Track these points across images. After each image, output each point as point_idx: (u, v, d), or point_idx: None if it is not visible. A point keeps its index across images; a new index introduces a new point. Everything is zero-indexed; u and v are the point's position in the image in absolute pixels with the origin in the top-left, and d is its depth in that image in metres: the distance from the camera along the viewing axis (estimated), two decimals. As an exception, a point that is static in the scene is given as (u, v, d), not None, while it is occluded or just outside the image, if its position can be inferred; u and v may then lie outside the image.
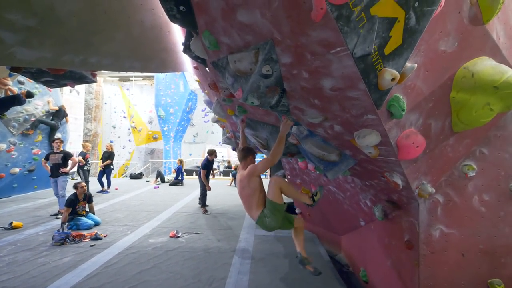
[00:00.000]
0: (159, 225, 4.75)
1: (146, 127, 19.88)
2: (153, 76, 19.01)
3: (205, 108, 18.38)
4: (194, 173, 11.14)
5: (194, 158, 17.59)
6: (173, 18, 1.73)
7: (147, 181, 9.65)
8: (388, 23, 1.14)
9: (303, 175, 4.27)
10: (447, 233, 2.31)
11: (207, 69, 2.47)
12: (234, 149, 5.95)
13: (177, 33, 2.65)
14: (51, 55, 2.10)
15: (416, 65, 1.34)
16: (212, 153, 6.02)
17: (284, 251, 3.73)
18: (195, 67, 3.13)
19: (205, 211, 5.73)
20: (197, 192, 7.26)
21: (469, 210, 2.30)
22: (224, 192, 7.97)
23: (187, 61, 3.60)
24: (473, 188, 2.30)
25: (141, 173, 11.03)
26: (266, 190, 2.46)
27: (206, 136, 19.37)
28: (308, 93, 1.68)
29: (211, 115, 20.09)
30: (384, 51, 1.22)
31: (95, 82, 4.02)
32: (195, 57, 2.29)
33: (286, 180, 4.62)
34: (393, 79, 1.28)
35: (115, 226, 4.65)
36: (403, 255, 2.54)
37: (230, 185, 8.96)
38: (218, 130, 19.63)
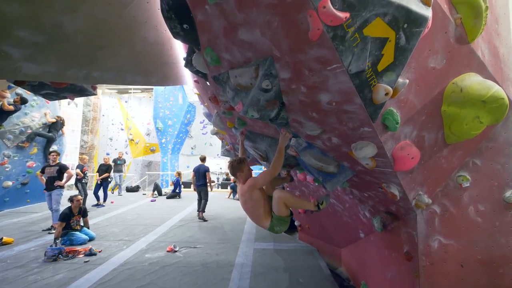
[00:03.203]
0: (156, 239, 4.67)
1: (144, 139, 19.87)
2: (152, 89, 19.22)
3: (204, 120, 18.50)
4: (192, 186, 11.05)
5: (192, 171, 17.47)
6: (176, 35, 1.81)
7: (143, 194, 9.54)
8: (380, 42, 1.23)
9: (302, 186, 4.29)
10: (445, 244, 2.32)
11: (207, 83, 2.55)
12: (232, 161, 5.96)
13: (179, 48, 2.75)
14: (55, 70, 2.16)
15: (407, 80, 1.42)
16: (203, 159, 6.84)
17: (284, 264, 3.68)
18: (195, 81, 3.22)
19: (201, 217, 6.10)
20: (195, 205, 7.19)
21: (466, 221, 2.33)
22: (223, 204, 7.91)
23: (187, 75, 3.69)
24: (468, 199, 2.34)
25: (137, 186, 10.91)
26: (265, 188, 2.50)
27: (204, 148, 19.35)
28: (306, 106, 1.74)
29: (210, 127, 20.20)
30: (377, 68, 1.30)
31: (95, 94, 4.08)
32: (196, 72, 2.37)
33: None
34: (386, 94, 1.35)
35: (111, 241, 4.56)
36: (403, 267, 2.53)
37: (228, 197, 8.89)
38: (216, 142, 19.66)
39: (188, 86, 16.20)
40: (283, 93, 1.74)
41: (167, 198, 8.66)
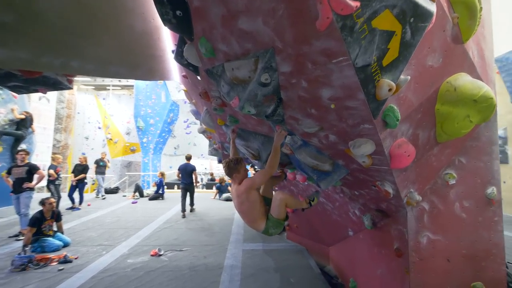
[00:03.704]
0: (139, 243, 4.44)
1: (123, 139, 19.03)
2: (132, 86, 18.49)
3: (187, 120, 18.07)
4: (176, 187, 10.72)
5: (175, 170, 17.00)
6: (167, 23, 1.69)
7: (124, 196, 9.09)
8: (387, 35, 1.20)
9: (290, 186, 4.27)
10: (433, 240, 2.38)
11: (198, 77, 2.43)
12: (220, 161, 5.83)
13: (167, 40, 2.60)
14: (27, 56, 1.92)
15: (409, 77, 1.42)
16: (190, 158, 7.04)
17: (274, 265, 3.63)
18: (184, 76, 3.07)
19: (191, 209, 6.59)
20: (179, 206, 7.10)
21: (452, 217, 2.41)
22: (208, 205, 7.72)
23: (174, 70, 3.53)
24: (454, 196, 2.42)
25: (117, 187, 10.39)
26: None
27: (188, 148, 18.91)
28: (306, 102, 1.69)
29: (194, 126, 19.78)
30: (383, 62, 1.28)
31: (71, 88, 3.79)
32: (187, 65, 2.25)
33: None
34: (390, 90, 1.33)
35: (88, 247, 4.27)
36: (393, 263, 2.57)
37: (214, 198, 8.71)
38: (200, 142, 19.27)
39: (172, 84, 15.78)
40: (282, 88, 1.67)
41: (150, 199, 8.32)
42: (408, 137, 1.82)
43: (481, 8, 1.56)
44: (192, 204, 6.75)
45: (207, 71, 1.99)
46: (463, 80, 1.75)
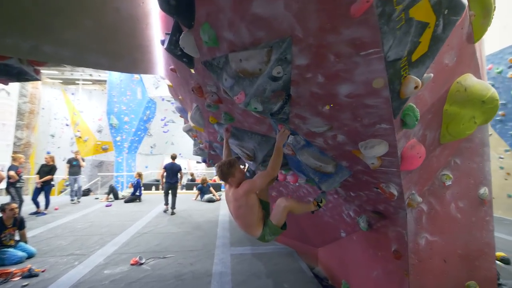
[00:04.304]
0: (116, 251, 4.05)
1: (94, 137, 17.80)
2: (104, 81, 17.34)
3: (165, 118, 17.35)
4: (154, 188, 10.17)
5: (152, 171, 16.21)
6: (165, 5, 1.47)
7: (96, 199, 8.40)
8: (421, 27, 1.10)
9: (280, 187, 4.15)
10: (431, 241, 2.39)
11: (192, 70, 2.20)
12: (204, 161, 5.56)
13: (155, 29, 2.33)
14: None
15: (432, 75, 1.34)
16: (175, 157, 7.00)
17: (265, 269, 3.48)
18: (172, 69, 2.81)
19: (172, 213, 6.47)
20: (159, 208, 6.88)
21: (448, 217, 2.44)
22: (190, 207, 7.38)
23: (160, 63, 3.24)
24: (450, 196, 2.45)
25: (88, 189, 9.61)
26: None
27: (166, 147, 18.17)
28: (318, 100, 1.56)
29: (172, 125, 19.01)
30: (412, 57, 1.18)
31: (39, 80, 3.33)
32: (180, 56, 2.02)
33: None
34: (416, 87, 1.24)
35: (57, 257, 3.81)
36: (391, 265, 2.54)
37: (195, 199, 8.36)
38: (178, 141, 18.61)
39: (148, 80, 15.02)
40: (293, 83, 1.53)
41: (126, 202, 7.76)
42: (418, 138, 1.77)
43: (495, 7, 1.53)
44: (173, 207, 6.59)
45: (205, 63, 1.78)
46: (472, 80, 1.74)
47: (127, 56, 2.46)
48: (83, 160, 8.04)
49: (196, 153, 4.81)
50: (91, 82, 17.41)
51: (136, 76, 13.90)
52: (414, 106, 1.44)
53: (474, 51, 1.73)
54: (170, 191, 6.59)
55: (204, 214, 6.53)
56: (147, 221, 5.85)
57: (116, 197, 8.10)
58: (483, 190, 2.49)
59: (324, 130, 1.79)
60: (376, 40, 1.05)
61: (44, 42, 1.65)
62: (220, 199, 8.43)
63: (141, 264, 3.58)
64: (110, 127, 15.50)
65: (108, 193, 8.13)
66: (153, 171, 16.61)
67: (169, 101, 16.34)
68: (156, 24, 2.30)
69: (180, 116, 4.54)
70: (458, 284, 2.42)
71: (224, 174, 2.16)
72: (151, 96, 15.85)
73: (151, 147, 17.80)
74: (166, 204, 6.71)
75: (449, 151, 2.33)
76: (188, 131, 4.38)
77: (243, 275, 3.31)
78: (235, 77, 1.60)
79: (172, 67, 2.78)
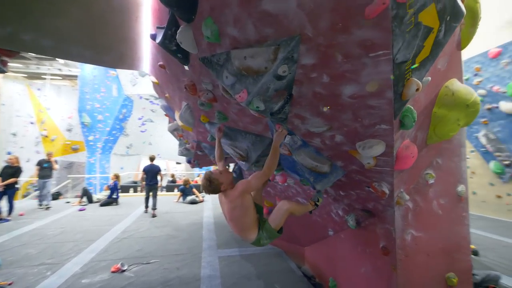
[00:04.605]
0: (94, 258, 3.78)
1: (63, 136, 16.63)
2: (75, 76, 16.28)
3: (142, 117, 16.67)
4: (132, 190, 9.69)
5: (128, 172, 15.45)
6: (167, -3, 1.39)
7: (67, 202, 7.81)
8: (426, 32, 1.15)
9: (267, 187, 4.15)
10: (416, 236, 2.51)
11: (186, 67, 2.12)
12: (189, 162, 5.40)
13: (145, 22, 2.21)
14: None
15: (430, 78, 1.40)
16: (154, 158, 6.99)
17: (255, 271, 3.45)
18: (161, 66, 2.69)
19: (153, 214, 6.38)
20: (138, 211, 6.63)
21: (431, 214, 2.58)
22: (172, 210, 7.13)
23: (145, 59, 3.08)
24: (433, 194, 2.60)
25: (58, 192, 8.90)
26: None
27: (143, 147, 17.45)
28: (320, 100, 1.57)
29: (150, 124, 18.28)
30: (416, 60, 1.22)
31: (5, 72, 3.01)
32: (174, 51, 1.93)
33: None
34: (417, 89, 1.29)
35: (26, 267, 3.47)
36: (379, 262, 2.64)
37: (177, 201, 8.10)
38: (156, 141, 17.96)
39: (125, 77, 14.32)
40: (296, 82, 1.52)
41: (101, 205, 7.30)
42: (411, 139, 1.85)
43: (480, 18, 1.64)
44: (154, 207, 6.52)
45: (203, 60, 1.72)
46: (458, 85, 1.85)
47: (113, 50, 2.30)
48: (56, 162, 7.42)
49: (181, 154, 4.65)
50: (60, 78, 16.23)
51: (112, 72, 13.18)
52: (412, 108, 1.50)
53: (460, 58, 1.85)
54: (151, 193, 6.55)
55: (187, 216, 6.34)
56: (127, 225, 5.54)
57: (90, 201, 7.59)
58: (461, 188, 2.67)
59: (324, 130, 1.81)
60: (387, 42, 1.07)
61: (24, 30, 1.47)
62: (203, 200, 8.25)
63: (123, 271, 3.37)
64: (82, 125, 14.56)
65: (81, 196, 7.59)
66: (130, 172, 15.86)
67: (147, 99, 15.71)
68: (146, 17, 2.18)
69: (165, 115, 4.37)
70: (439, 276, 2.57)
71: (214, 189, 2.05)
72: (127, 94, 15.13)
73: (127, 147, 17.02)
74: (146, 207, 6.71)
75: (433, 151, 2.47)
76: (174, 130, 4.23)
77: (233, 278, 3.25)
78: (237, 75, 1.56)
79: (161, 63, 2.66)
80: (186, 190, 8.03)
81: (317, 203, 2.33)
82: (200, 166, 5.99)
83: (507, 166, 5.60)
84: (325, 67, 1.34)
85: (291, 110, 1.77)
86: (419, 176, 2.53)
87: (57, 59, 13.37)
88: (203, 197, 8.41)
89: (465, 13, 1.21)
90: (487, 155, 6.07)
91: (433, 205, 2.60)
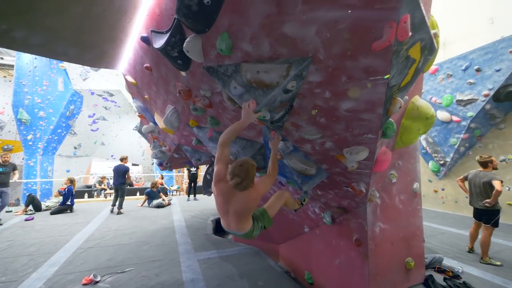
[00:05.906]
0: (58, 271, 3.42)
1: (-7, 135, 14.22)
2: (10, 66, 14.09)
3: (94, 114, 15.22)
4: (87, 195, 8.78)
5: (77, 175, 13.90)
6: (185, 10, 1.42)
7: (8, 212, 6.73)
8: (412, 62, 1.42)
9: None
10: (383, 228, 2.92)
11: (183, 73, 2.13)
12: (160, 164, 5.20)
13: (136, 24, 2.14)
14: None
15: (407, 97, 1.71)
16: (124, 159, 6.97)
17: (237, 271, 3.54)
18: (147, 67, 2.60)
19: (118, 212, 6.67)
20: (99, 218, 6.25)
21: (394, 208, 3.03)
22: (138, 214, 6.72)
23: (124, 59, 2.93)
24: (395, 191, 3.05)
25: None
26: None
27: (94, 147, 15.93)
28: (319, 111, 1.77)
29: (103, 122, 16.79)
30: (401, 84, 1.50)
31: None
32: (175, 57, 1.94)
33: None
34: (400, 107, 1.58)
35: (-31, 290, 2.98)
36: (352, 253, 2.99)
37: (141, 205, 7.65)
38: (110, 141, 16.59)
39: (74, 70, 12.88)
40: (299, 96, 1.70)
41: (52, 213, 6.48)
42: (386, 146, 2.18)
43: (437, 49, 2.04)
44: (120, 207, 6.77)
45: (209, 69, 1.78)
46: (420, 101, 2.25)
47: (97, 48, 2.16)
48: (15, 168, 5.80)
49: (155, 156, 4.48)
50: (-11, 66, 13.83)
51: (61, 65, 11.78)
52: (393, 121, 1.80)
53: (422, 78, 2.25)
54: (118, 192, 6.76)
55: (156, 221, 6.07)
56: (89, 233, 5.07)
57: (38, 209, 6.68)
58: (416, 185, 3.19)
59: (317, 137, 2.02)
60: (386, 70, 1.31)
61: (17, 27, 1.30)
62: (170, 204, 7.95)
63: (97, 282, 3.13)
64: (18, 122, 12.60)
65: (27, 205, 6.63)
66: (79, 176, 14.30)
67: (100, 95, 14.37)
68: (139, 20, 2.12)
69: (139, 116, 4.15)
70: (400, 261, 3.03)
71: (249, 175, 1.89)
72: (76, 89, 13.66)
73: (75, 148, 15.37)
74: (113, 205, 6.86)
75: (396, 155, 2.91)
76: (150, 132, 4.06)
77: (216, 279, 3.29)
78: (246, 86, 1.66)
79: (147, 65, 2.58)
80: (152, 193, 7.64)
81: (303, 202, 2.54)
82: (171, 168, 5.81)
83: (442, 165, 6.72)
84: (329, 85, 1.54)
85: (288, 119, 1.94)
86: (386, 177, 2.95)
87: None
88: (169, 200, 8.11)
89: (437, 49, 1.53)
90: (426, 156, 7.16)
91: (396, 201, 3.06)
